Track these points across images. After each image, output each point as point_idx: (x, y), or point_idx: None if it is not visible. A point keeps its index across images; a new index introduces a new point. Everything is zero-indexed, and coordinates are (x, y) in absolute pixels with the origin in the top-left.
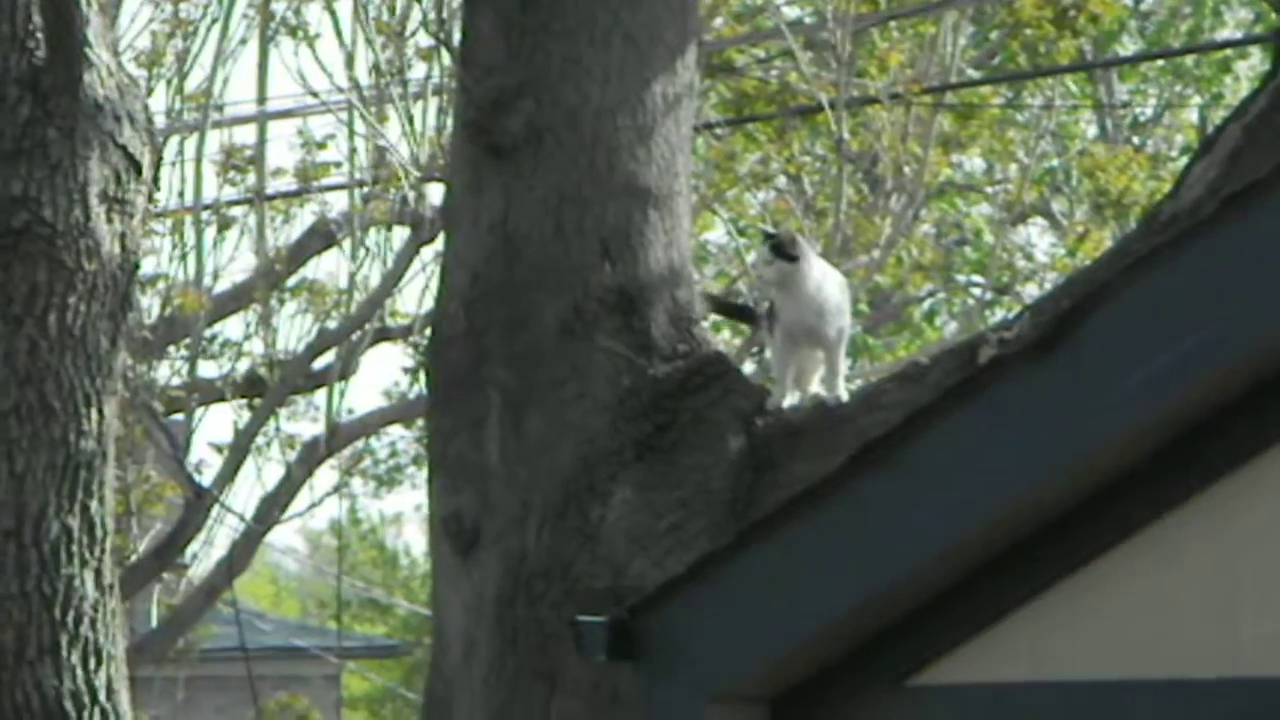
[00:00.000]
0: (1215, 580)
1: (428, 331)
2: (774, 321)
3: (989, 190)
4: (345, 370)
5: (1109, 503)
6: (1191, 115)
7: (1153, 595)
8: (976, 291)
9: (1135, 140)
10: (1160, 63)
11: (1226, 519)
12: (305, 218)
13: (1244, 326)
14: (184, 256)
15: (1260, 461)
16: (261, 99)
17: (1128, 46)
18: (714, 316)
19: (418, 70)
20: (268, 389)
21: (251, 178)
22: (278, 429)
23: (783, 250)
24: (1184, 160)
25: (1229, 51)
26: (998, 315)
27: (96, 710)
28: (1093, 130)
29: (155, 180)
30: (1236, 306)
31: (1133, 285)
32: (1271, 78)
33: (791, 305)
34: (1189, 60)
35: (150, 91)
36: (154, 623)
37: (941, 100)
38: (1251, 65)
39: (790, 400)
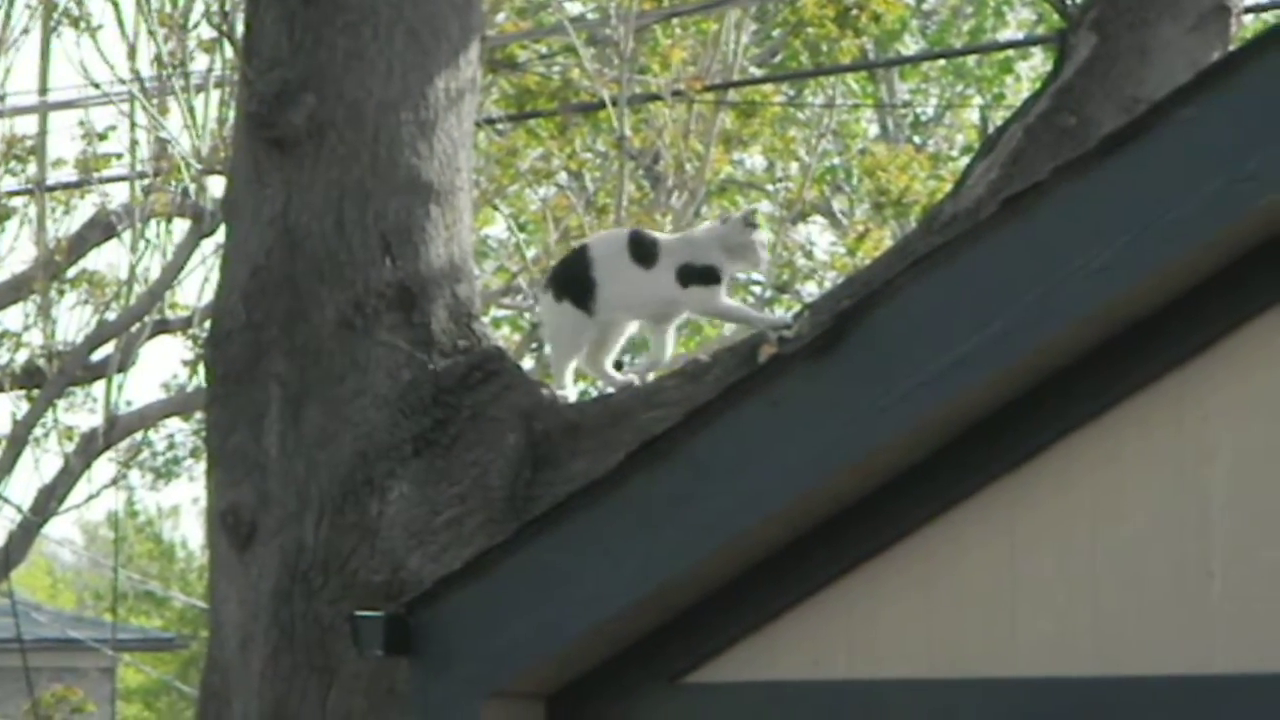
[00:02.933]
0: (994, 580)
1: (207, 324)
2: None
3: (770, 188)
4: (124, 362)
5: (889, 501)
6: (973, 115)
7: (932, 594)
8: (756, 289)
9: (916, 140)
10: (941, 62)
11: (1006, 519)
12: (86, 209)
13: (1024, 326)
14: None
15: (1039, 461)
16: (43, 89)
17: (909, 46)
18: (494, 312)
19: (200, 62)
20: (46, 380)
21: (32, 168)
22: (56, 420)
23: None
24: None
25: (1010, 52)
26: (778, 313)
27: None
28: (874, 129)
29: None
30: (1016, 307)
31: (913, 285)
32: (1053, 78)
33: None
34: (970, 60)
35: None
36: None
37: (723, 98)
38: (1033, 66)
39: (570, 395)
